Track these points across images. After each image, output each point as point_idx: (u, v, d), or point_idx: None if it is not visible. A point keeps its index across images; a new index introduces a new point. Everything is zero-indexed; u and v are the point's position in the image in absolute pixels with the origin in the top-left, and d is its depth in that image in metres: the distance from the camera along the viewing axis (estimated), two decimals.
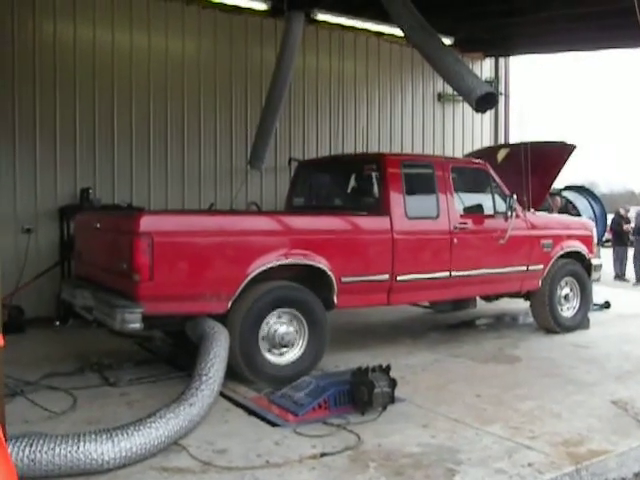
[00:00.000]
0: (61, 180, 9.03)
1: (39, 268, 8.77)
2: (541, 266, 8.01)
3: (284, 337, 5.90)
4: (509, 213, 7.50)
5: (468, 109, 11.02)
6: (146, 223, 5.31)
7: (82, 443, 3.79)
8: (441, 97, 13.00)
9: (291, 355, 5.97)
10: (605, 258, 13.83)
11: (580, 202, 15.47)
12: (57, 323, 8.45)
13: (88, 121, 9.24)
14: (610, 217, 16.28)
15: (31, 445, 3.68)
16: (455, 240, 7.09)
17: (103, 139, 9.36)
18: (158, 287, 5.31)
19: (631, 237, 15.93)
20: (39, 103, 8.86)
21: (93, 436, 3.87)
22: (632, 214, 16.67)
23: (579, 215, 13.39)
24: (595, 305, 9.70)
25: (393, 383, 5.08)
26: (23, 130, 8.70)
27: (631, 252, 15.51)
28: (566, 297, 8.40)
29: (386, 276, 6.60)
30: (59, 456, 3.70)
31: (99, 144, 9.33)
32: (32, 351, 7.01)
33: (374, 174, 7.18)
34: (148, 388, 5.74)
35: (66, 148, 9.06)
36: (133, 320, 5.19)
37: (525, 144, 8.32)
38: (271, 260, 5.83)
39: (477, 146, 13.03)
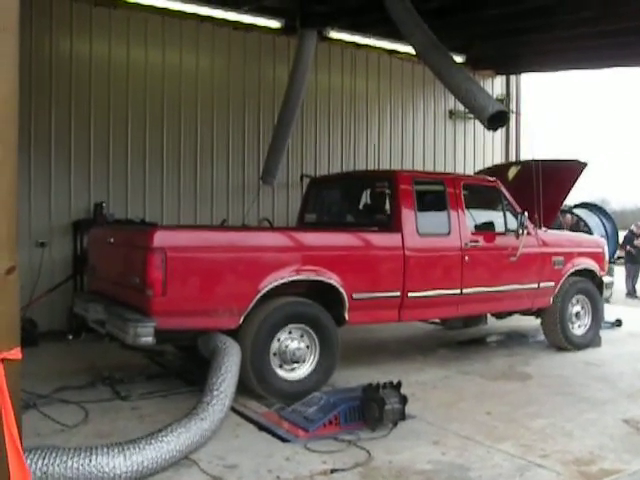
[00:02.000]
0: (75, 195, 9.12)
1: (52, 282, 8.84)
2: (552, 283, 8.00)
3: (295, 353, 5.91)
4: (520, 230, 7.51)
5: (479, 126, 11.07)
6: (159, 238, 5.35)
7: (94, 456, 3.81)
8: (452, 114, 13.05)
9: (302, 371, 5.98)
10: (618, 275, 13.81)
11: (591, 219, 15.46)
12: (70, 337, 8.48)
13: (102, 137, 9.34)
14: (622, 234, 16.20)
15: (44, 458, 3.71)
16: (466, 257, 7.10)
17: (117, 154, 9.44)
18: (171, 302, 5.34)
19: None
20: (54, 118, 8.97)
21: (105, 449, 3.88)
22: None
23: (590, 233, 13.38)
24: (606, 323, 9.65)
25: (404, 400, 5.08)
26: (39, 145, 8.82)
27: None
28: (577, 315, 8.37)
29: (397, 293, 6.60)
30: (71, 469, 3.72)
31: (113, 159, 9.41)
32: (45, 364, 7.04)
33: (386, 191, 7.21)
34: (159, 402, 5.76)
35: (80, 163, 9.15)
36: (145, 334, 5.21)
37: (536, 161, 8.33)
38: (283, 276, 5.85)
39: (488, 163, 13.04)
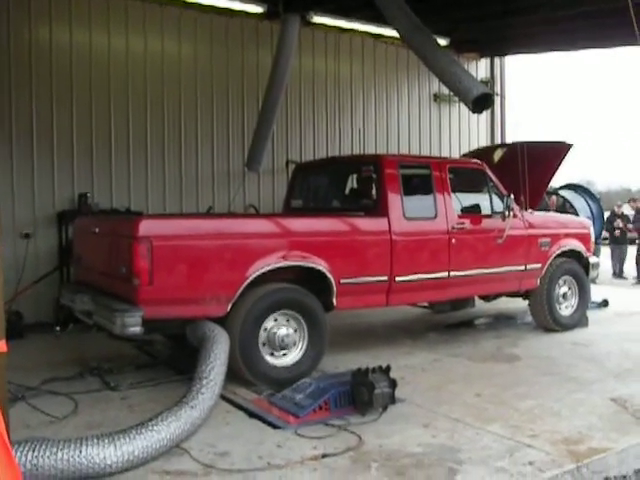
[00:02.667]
0: (59, 185, 9.04)
1: (38, 273, 8.77)
2: (539, 265, 8.03)
3: (284, 339, 5.91)
4: (507, 213, 7.52)
5: (464, 109, 11.08)
6: (145, 227, 5.32)
7: (84, 447, 3.79)
8: (437, 98, 13.03)
9: (291, 357, 5.98)
10: (605, 256, 13.90)
11: (577, 201, 15.54)
12: (57, 328, 8.41)
13: (85, 126, 9.24)
14: (607, 215, 16.30)
15: (33, 450, 3.69)
16: (453, 240, 7.11)
17: (100, 144, 9.36)
18: (158, 291, 5.32)
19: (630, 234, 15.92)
20: (36, 109, 8.87)
21: (95, 440, 3.87)
22: (626, 210, 16.63)
23: (576, 214, 13.45)
24: (593, 303, 9.72)
25: (393, 384, 5.09)
26: (20, 135, 8.73)
27: (632, 250, 15.49)
28: (564, 296, 8.42)
29: (385, 277, 6.61)
30: (61, 461, 3.71)
31: (96, 149, 9.33)
32: (32, 356, 7.01)
33: (372, 175, 7.20)
34: (149, 392, 5.75)
35: (64, 153, 9.07)
36: (133, 324, 5.19)
37: (521, 144, 8.34)
38: (270, 262, 5.84)
39: (473, 146, 13.04)
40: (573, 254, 8.51)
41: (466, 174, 7.90)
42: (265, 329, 5.87)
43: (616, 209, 16.14)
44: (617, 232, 15.63)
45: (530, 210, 8.31)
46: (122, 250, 5.50)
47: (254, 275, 5.75)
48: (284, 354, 5.95)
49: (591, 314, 9.00)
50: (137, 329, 5.22)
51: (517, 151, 8.17)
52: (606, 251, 15.96)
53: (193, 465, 4.10)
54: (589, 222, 9.38)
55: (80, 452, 3.76)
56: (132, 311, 5.23)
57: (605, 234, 16.48)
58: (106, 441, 3.88)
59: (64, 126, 9.08)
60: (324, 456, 4.21)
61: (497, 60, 14.05)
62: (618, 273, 15.53)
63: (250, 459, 4.18)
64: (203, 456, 4.23)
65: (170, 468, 4.05)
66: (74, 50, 9.17)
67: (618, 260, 15.61)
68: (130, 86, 9.61)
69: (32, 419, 4.93)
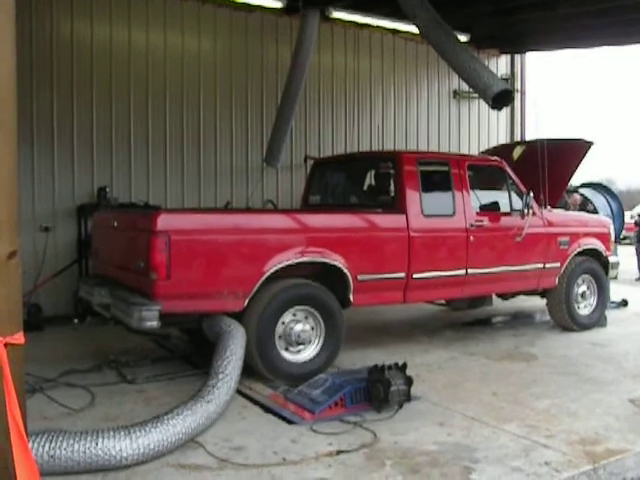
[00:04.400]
0: (79, 179, 9.11)
1: (57, 266, 8.86)
2: (558, 264, 7.97)
3: (300, 335, 5.91)
4: (526, 210, 7.47)
5: (484, 106, 11.02)
6: (163, 222, 5.33)
7: (101, 439, 3.83)
8: (457, 94, 12.97)
9: (307, 353, 5.98)
10: (626, 256, 13.72)
11: (597, 199, 15.37)
12: (75, 321, 8.50)
13: (105, 120, 9.31)
14: (628, 214, 16.08)
15: (51, 441, 3.73)
16: (471, 238, 7.08)
17: (120, 138, 9.42)
18: (175, 285, 5.33)
19: None
20: (56, 103, 8.94)
21: (111, 433, 3.90)
22: None
23: (596, 212, 13.32)
24: (612, 303, 9.63)
25: (409, 381, 5.08)
26: (41, 130, 8.80)
27: None
28: (583, 295, 8.36)
29: (402, 274, 6.59)
30: (78, 452, 3.74)
31: (116, 143, 9.39)
32: (50, 348, 7.08)
33: (390, 172, 7.17)
34: (165, 385, 5.78)
35: (83, 147, 9.13)
36: (150, 318, 5.21)
37: (541, 141, 8.27)
38: (287, 258, 5.84)
39: (493, 143, 12.98)
40: (592, 253, 8.44)
41: (485, 171, 7.86)
42: (282, 324, 5.87)
43: None
44: None
45: (549, 208, 8.24)
46: (140, 244, 5.52)
47: (271, 271, 5.75)
48: (300, 350, 5.96)
49: (610, 314, 8.93)
50: (154, 323, 5.23)
51: (537, 149, 8.09)
52: (625, 250, 15.71)
53: (208, 459, 4.11)
54: (609, 221, 9.29)
55: (96, 444, 3.79)
56: (149, 305, 5.25)
57: (625, 233, 16.24)
58: (122, 433, 3.91)
59: (84, 121, 9.15)
60: (339, 452, 4.21)
61: (517, 56, 13.95)
62: None
63: (265, 454, 4.19)
64: (218, 450, 4.24)
65: (185, 462, 4.07)
66: (95, 45, 9.23)
67: None
68: (150, 81, 9.66)
69: (49, 411, 4.98)
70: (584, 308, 8.39)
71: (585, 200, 14.50)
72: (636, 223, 15.86)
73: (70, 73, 9.04)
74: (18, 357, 2.82)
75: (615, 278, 9.28)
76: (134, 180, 9.53)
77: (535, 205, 7.67)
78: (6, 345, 2.73)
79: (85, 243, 8.72)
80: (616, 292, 9.98)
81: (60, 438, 3.77)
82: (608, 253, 8.62)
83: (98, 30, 9.24)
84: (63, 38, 8.99)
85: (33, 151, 8.71)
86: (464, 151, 12.74)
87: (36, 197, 8.75)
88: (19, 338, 2.80)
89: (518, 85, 13.87)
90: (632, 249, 15.75)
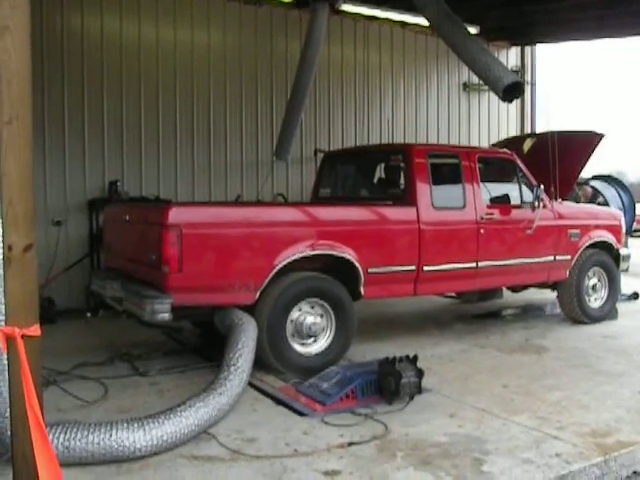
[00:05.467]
0: (90, 173, 9.16)
1: (69, 260, 8.92)
2: (569, 256, 7.96)
3: (311, 327, 5.93)
4: (536, 203, 7.46)
5: (494, 98, 10.99)
6: (175, 215, 5.36)
7: (114, 431, 3.86)
8: (467, 87, 12.93)
9: (318, 345, 6.01)
10: (634, 249, 13.64)
11: (608, 191, 15.27)
12: (88, 314, 8.56)
13: (116, 114, 9.35)
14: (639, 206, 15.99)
15: (65, 432, 3.77)
16: (482, 230, 7.07)
17: (130, 132, 9.46)
18: (187, 278, 5.36)
19: None
20: (67, 97, 8.98)
21: (125, 424, 3.94)
22: None
23: (607, 205, 13.26)
24: (623, 295, 9.60)
25: (420, 373, 5.09)
26: (52, 124, 8.85)
27: None
28: (594, 287, 8.34)
29: (412, 267, 6.60)
30: (92, 443, 3.78)
31: (126, 137, 9.43)
32: (64, 342, 7.13)
33: (400, 164, 7.17)
34: (177, 378, 5.82)
35: (94, 142, 9.18)
36: (162, 311, 5.24)
37: (552, 133, 8.24)
38: (298, 251, 5.85)
39: (503, 136, 12.93)
40: (603, 245, 8.42)
41: (495, 164, 7.85)
42: (293, 317, 5.89)
43: None
44: None
45: (560, 201, 8.22)
46: (152, 237, 5.55)
47: (282, 263, 5.77)
48: (311, 342, 5.98)
49: (621, 306, 8.90)
50: (166, 316, 5.26)
51: (547, 141, 8.07)
52: (636, 243, 15.64)
53: (220, 450, 4.14)
54: (620, 213, 9.25)
55: (110, 435, 3.83)
56: (161, 298, 5.28)
57: (637, 225, 16.16)
58: (136, 425, 3.95)
59: (95, 115, 9.19)
60: (350, 444, 4.23)
61: (528, 49, 13.88)
62: None
63: (277, 446, 4.22)
64: (230, 442, 4.27)
65: (198, 453, 4.10)
66: (105, 39, 9.26)
67: None
68: (160, 75, 9.68)
69: (64, 403, 5.03)
70: (595, 301, 8.37)
71: (596, 192, 14.42)
72: None
73: (81, 68, 9.08)
74: (34, 349, 2.86)
75: (626, 270, 9.23)
76: (145, 174, 9.57)
77: (546, 197, 7.66)
78: (23, 337, 2.77)
79: (96, 237, 8.76)
80: (627, 285, 9.94)
81: (75, 429, 3.81)
82: (619, 245, 8.59)
83: (108, 24, 9.27)
84: (73, 32, 9.03)
85: (45, 145, 8.75)
86: (474, 144, 12.72)
87: (48, 191, 8.81)
88: (35, 330, 2.84)
89: (528, 77, 13.81)
90: None
